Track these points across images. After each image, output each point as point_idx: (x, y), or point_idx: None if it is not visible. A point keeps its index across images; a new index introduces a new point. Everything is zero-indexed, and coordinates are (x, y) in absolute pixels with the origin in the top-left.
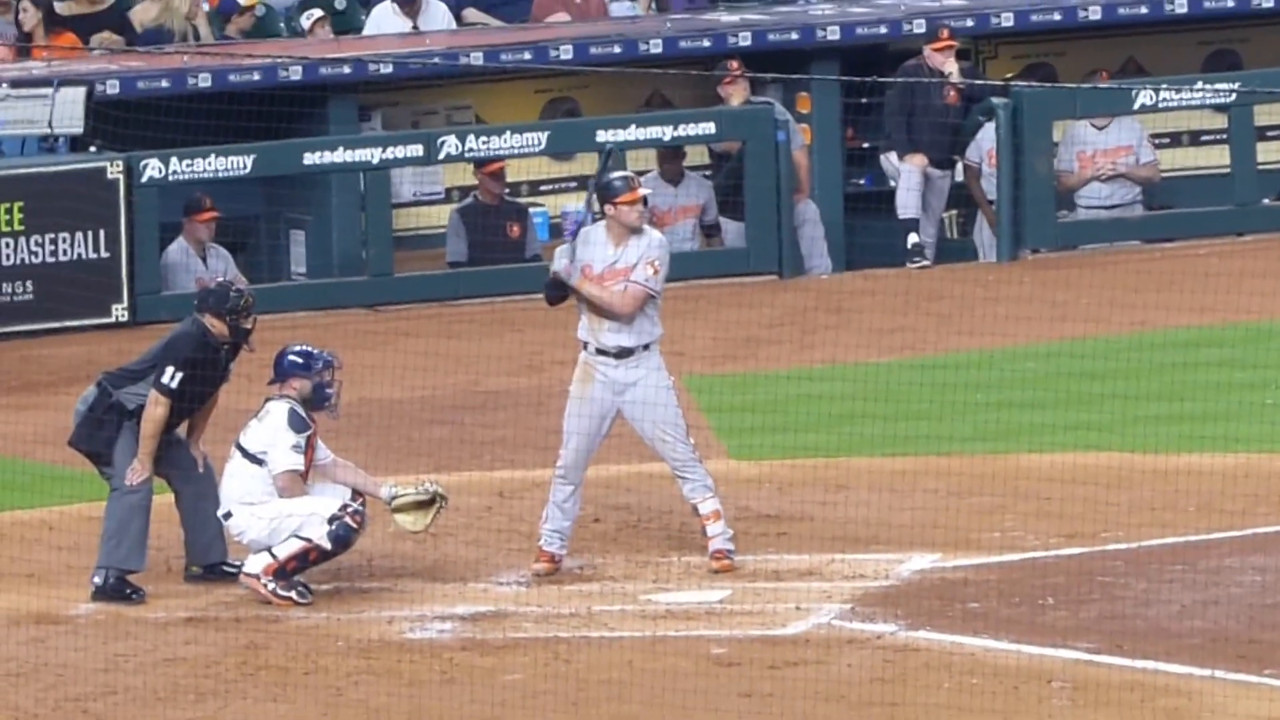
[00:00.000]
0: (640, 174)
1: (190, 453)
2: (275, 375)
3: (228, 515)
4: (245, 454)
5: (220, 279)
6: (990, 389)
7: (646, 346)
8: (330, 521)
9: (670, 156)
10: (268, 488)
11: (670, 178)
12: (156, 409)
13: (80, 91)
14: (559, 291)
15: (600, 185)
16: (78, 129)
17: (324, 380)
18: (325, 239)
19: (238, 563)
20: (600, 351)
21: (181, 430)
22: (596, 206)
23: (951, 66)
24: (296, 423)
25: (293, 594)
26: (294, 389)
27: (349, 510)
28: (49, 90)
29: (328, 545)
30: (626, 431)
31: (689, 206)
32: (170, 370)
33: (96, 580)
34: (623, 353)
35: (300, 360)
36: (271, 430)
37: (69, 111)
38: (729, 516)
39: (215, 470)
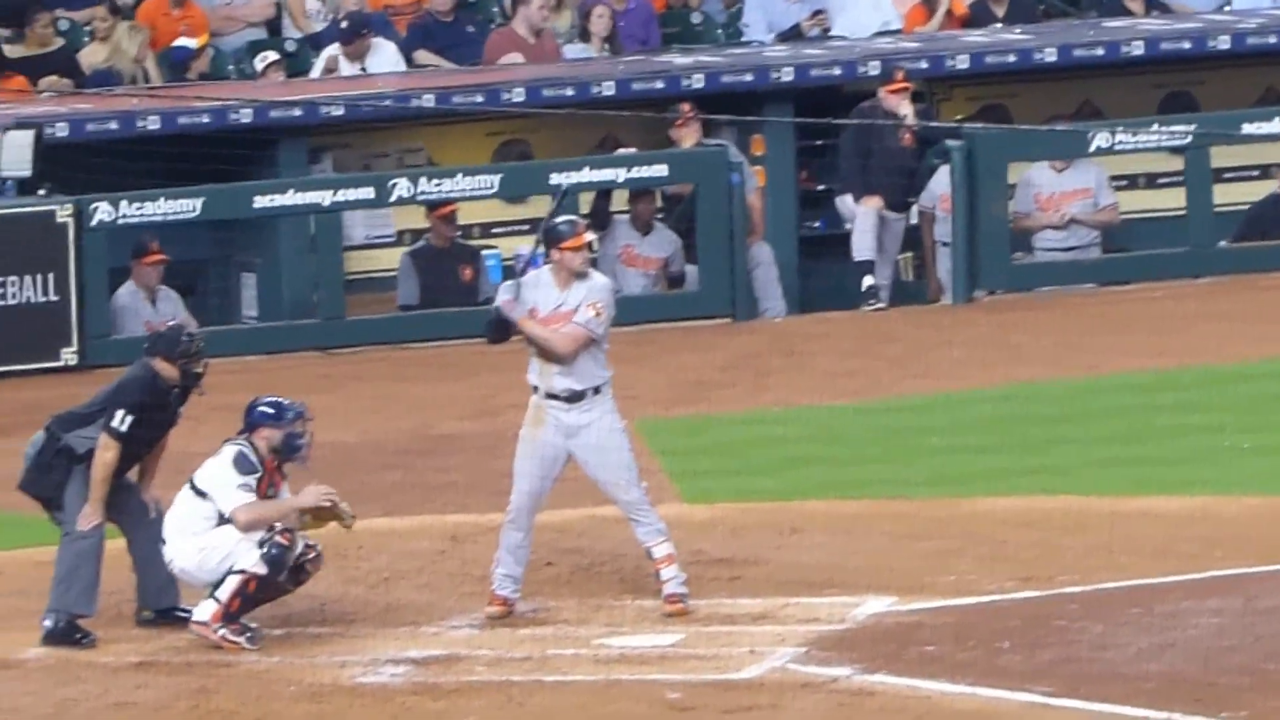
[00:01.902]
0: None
1: (142, 497)
2: (245, 425)
3: (163, 542)
4: (192, 487)
5: (170, 322)
6: (944, 433)
7: (597, 390)
8: (260, 545)
9: (641, 199)
10: (204, 521)
11: (640, 224)
12: (107, 453)
13: (29, 134)
14: (501, 331)
15: (545, 229)
16: (26, 172)
17: (295, 431)
18: (276, 282)
19: (190, 608)
20: (550, 395)
21: (133, 475)
22: (543, 249)
23: (906, 108)
24: (243, 464)
25: (242, 639)
26: (264, 439)
27: (277, 529)
28: None
29: (263, 570)
30: (579, 475)
31: (653, 258)
32: (120, 414)
33: (47, 624)
34: (573, 396)
35: (271, 411)
36: (217, 470)
37: (17, 155)
38: (682, 560)
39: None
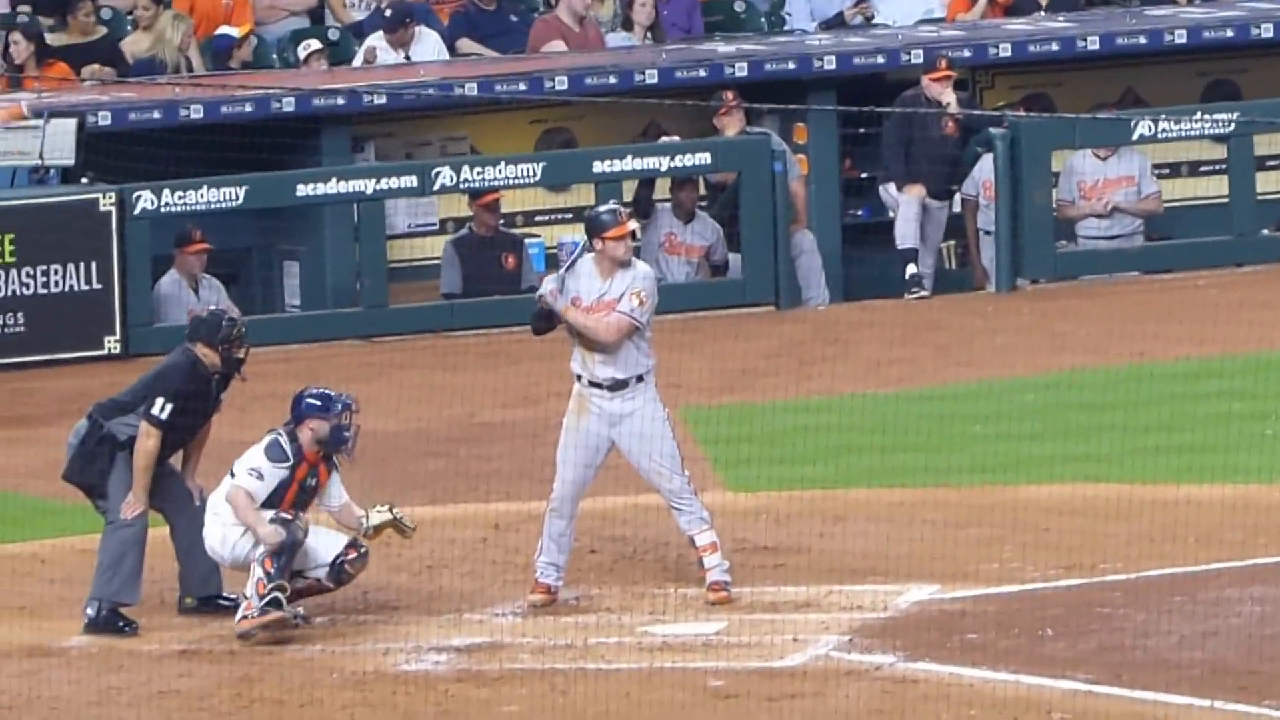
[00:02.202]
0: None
1: (185, 485)
2: (292, 416)
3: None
4: (231, 470)
5: (212, 309)
6: (988, 420)
7: (640, 378)
8: (270, 523)
9: (684, 187)
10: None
11: (683, 213)
12: (148, 441)
13: (71, 123)
14: (545, 322)
15: (588, 219)
16: (69, 161)
17: (342, 423)
18: (319, 271)
19: (233, 595)
20: (593, 384)
21: (176, 462)
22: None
23: (949, 97)
24: (274, 452)
25: (253, 611)
26: (310, 430)
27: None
28: (40, 122)
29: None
30: (622, 463)
31: (695, 246)
32: (160, 401)
33: (89, 612)
34: (616, 385)
35: (318, 402)
36: (250, 454)
37: (60, 143)
38: (726, 548)
39: None
